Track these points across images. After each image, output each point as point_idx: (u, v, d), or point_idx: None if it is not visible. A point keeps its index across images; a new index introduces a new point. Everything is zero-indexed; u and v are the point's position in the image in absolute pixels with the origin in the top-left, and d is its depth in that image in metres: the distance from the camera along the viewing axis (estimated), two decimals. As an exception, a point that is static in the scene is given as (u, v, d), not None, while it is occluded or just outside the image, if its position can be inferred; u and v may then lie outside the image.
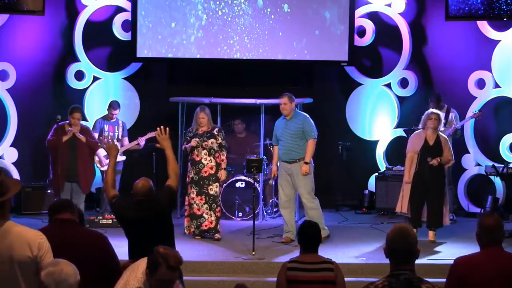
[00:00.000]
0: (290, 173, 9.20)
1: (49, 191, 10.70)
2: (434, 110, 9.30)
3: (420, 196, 9.10)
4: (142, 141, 10.41)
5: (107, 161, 10.36)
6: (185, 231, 9.43)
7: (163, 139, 6.19)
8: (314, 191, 9.25)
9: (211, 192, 9.36)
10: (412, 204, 9.12)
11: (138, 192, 5.76)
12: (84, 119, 11.00)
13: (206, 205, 9.35)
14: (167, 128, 6.21)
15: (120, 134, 10.54)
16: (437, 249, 8.81)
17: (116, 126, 10.51)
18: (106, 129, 10.45)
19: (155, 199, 5.78)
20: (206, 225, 9.38)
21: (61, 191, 9.67)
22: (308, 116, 9.32)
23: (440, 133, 9.23)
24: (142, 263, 4.36)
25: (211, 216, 9.37)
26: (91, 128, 10.29)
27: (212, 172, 9.39)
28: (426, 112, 9.27)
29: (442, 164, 9.12)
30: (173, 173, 5.99)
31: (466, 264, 4.49)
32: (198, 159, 9.43)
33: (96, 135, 10.28)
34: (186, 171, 9.68)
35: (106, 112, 10.61)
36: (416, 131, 9.41)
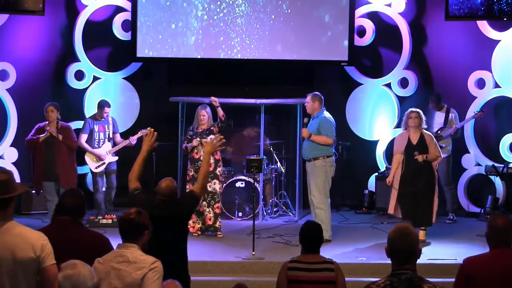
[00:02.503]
0: (308, 170, 9.27)
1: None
2: (413, 109, 9.24)
3: (410, 197, 9.05)
4: (133, 140, 10.40)
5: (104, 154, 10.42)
6: (189, 229, 9.46)
7: (210, 144, 6.12)
8: (328, 192, 9.21)
9: (209, 189, 9.43)
10: (402, 205, 9.08)
11: (161, 192, 5.75)
12: (84, 118, 11.00)
13: (204, 202, 9.43)
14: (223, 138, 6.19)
15: (111, 132, 10.51)
16: (436, 249, 8.80)
17: (106, 125, 10.47)
18: (96, 129, 10.41)
19: (178, 201, 5.77)
20: (205, 222, 9.47)
21: (40, 190, 9.75)
22: (329, 118, 9.23)
23: (424, 131, 9.17)
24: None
25: (209, 213, 9.45)
26: (80, 128, 10.33)
27: (211, 169, 9.44)
28: (406, 111, 9.27)
29: (429, 162, 9.06)
30: (201, 178, 5.95)
31: (475, 264, 4.48)
32: (197, 157, 9.52)
33: (85, 135, 10.29)
34: (185, 169, 9.72)
35: (96, 112, 10.56)
36: (400, 133, 9.41)
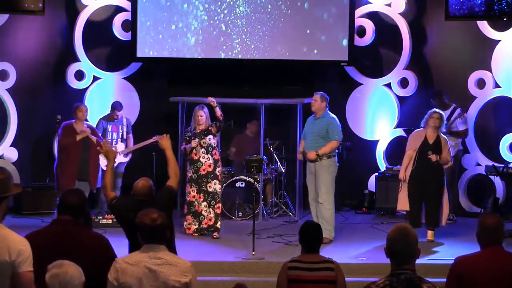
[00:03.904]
0: (313, 171, 9.27)
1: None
2: (438, 110, 9.32)
3: (418, 195, 9.08)
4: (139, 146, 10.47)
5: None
6: (186, 230, 9.46)
7: (164, 139, 6.28)
8: (334, 191, 9.25)
9: (210, 190, 9.43)
10: (411, 203, 9.11)
11: (138, 192, 5.79)
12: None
13: (205, 203, 9.43)
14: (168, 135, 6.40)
15: (125, 133, 10.55)
16: (437, 249, 8.82)
17: (120, 126, 10.51)
18: (109, 130, 10.45)
19: (155, 199, 5.80)
20: (205, 223, 9.46)
21: None
22: (336, 119, 9.34)
23: (441, 134, 9.23)
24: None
25: (210, 213, 9.44)
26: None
27: (210, 169, 9.45)
28: (430, 111, 9.29)
29: (440, 164, 9.10)
30: (173, 173, 6.06)
31: (466, 263, 4.49)
32: (196, 157, 9.50)
33: None
34: (185, 170, 9.71)
35: (109, 112, 10.60)
36: (417, 130, 9.41)
